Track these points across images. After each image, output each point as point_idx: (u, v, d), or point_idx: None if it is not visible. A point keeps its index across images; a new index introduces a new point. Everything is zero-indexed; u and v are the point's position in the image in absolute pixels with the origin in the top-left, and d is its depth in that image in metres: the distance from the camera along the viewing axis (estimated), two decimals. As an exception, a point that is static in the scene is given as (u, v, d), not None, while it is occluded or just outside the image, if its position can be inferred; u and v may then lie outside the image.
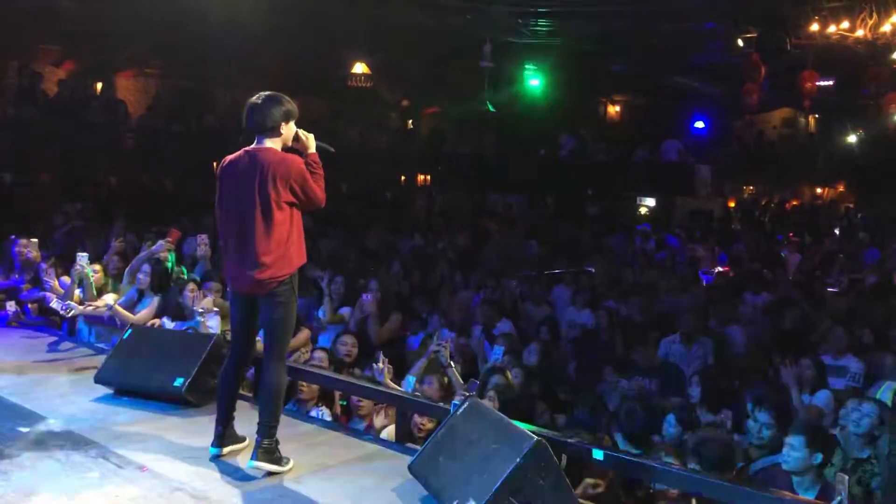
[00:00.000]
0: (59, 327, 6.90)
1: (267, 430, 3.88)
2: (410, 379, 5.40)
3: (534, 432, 3.48)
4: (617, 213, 17.95)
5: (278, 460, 3.91)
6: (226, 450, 4.09)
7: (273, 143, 3.95)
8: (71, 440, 4.25)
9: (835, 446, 4.60)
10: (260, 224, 3.83)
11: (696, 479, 3.70)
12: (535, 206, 18.32)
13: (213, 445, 4.08)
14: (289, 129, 4.01)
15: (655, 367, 6.78)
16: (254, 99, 3.98)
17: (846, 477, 3.36)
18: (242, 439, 4.17)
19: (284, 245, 3.87)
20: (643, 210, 19.67)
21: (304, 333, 6.51)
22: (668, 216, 18.00)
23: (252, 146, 3.99)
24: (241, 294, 4.04)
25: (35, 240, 7.47)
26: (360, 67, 15.22)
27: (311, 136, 4.11)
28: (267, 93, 4.01)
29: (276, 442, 3.93)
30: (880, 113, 16.25)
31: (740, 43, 14.02)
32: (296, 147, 4.08)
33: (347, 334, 6.41)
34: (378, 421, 5.29)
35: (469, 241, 12.98)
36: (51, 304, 6.27)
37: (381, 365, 5.24)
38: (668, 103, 21.53)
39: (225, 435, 4.10)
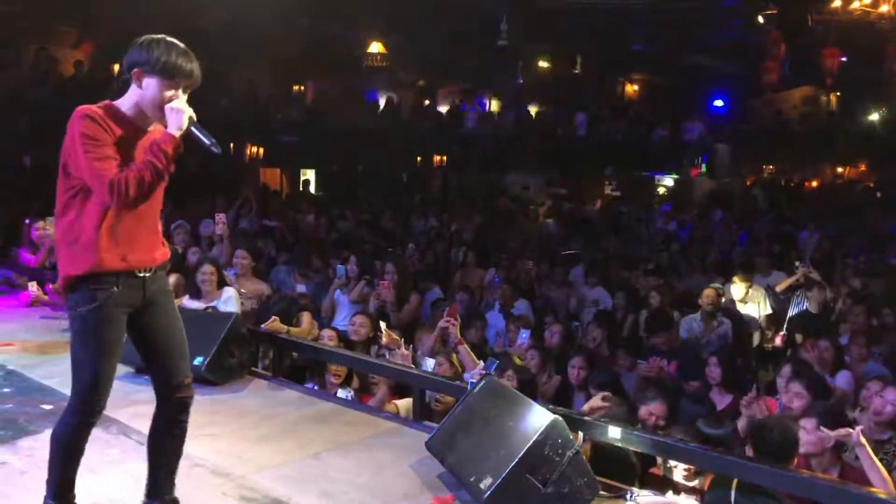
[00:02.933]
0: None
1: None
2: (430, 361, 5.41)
3: (550, 410, 3.49)
4: (635, 192, 17.87)
5: None
6: None
7: (121, 103, 2.88)
8: (93, 418, 4.30)
9: (849, 425, 4.57)
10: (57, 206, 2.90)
11: (710, 455, 3.70)
12: (551, 187, 18.26)
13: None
14: (146, 88, 2.81)
15: (675, 348, 6.77)
16: None
17: None
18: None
19: (70, 236, 2.83)
20: (661, 190, 19.56)
21: (306, 317, 6.30)
22: (687, 195, 17.90)
23: None
24: None
25: (51, 217, 7.52)
26: (375, 47, 15.18)
27: (185, 112, 2.82)
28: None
29: None
30: (902, 90, 16.00)
31: (760, 19, 13.83)
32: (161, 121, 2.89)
33: (359, 314, 6.39)
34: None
35: (485, 221, 12.97)
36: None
37: (384, 338, 5.26)
38: (686, 82, 21.31)
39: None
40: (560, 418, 3.35)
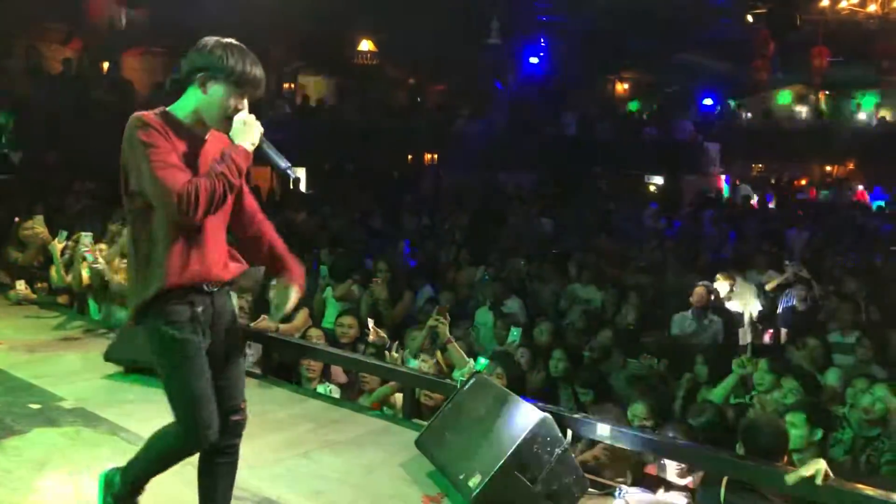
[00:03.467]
0: (69, 306, 6.95)
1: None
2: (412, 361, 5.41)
3: (539, 408, 3.50)
4: (625, 191, 17.91)
5: None
6: None
7: (176, 109, 2.68)
8: (82, 417, 4.29)
9: (833, 422, 4.61)
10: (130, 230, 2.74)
11: (700, 452, 3.72)
12: (543, 185, 18.27)
13: None
14: (215, 88, 2.61)
15: (665, 346, 6.78)
16: None
17: None
18: None
19: (137, 259, 2.67)
20: (651, 188, 19.62)
21: (303, 313, 6.26)
22: (677, 194, 17.95)
23: None
24: None
25: (40, 216, 7.49)
26: (366, 45, 15.17)
27: (253, 125, 2.65)
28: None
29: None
30: (890, 88, 16.10)
31: (750, 19, 13.89)
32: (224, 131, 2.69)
33: (347, 315, 6.38)
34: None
35: (477, 220, 12.97)
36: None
37: (371, 335, 5.27)
38: (677, 80, 21.38)
39: None
40: (549, 416, 3.36)
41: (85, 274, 6.56)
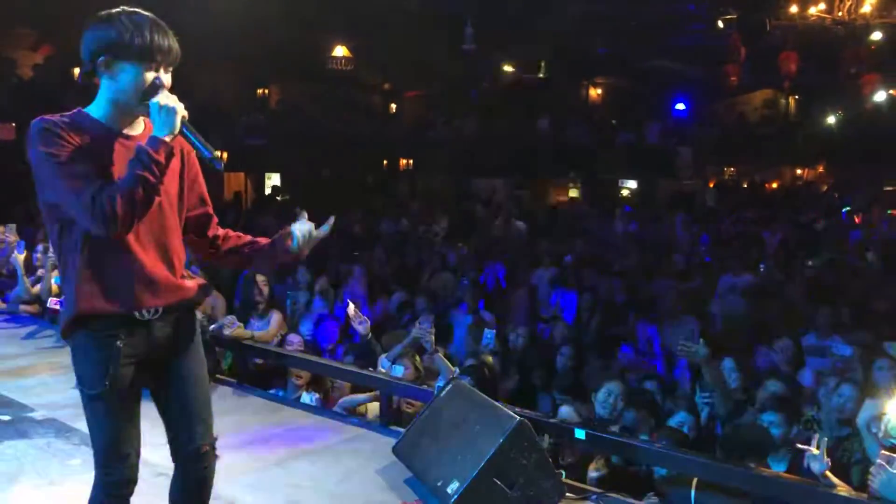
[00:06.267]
0: (41, 316, 6.86)
1: None
2: (398, 368, 5.39)
3: (516, 413, 3.51)
4: (599, 195, 18.02)
5: None
6: None
7: (92, 107, 2.39)
8: (53, 428, 4.24)
9: (811, 421, 4.66)
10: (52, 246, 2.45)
11: (676, 456, 3.74)
12: (517, 190, 18.35)
13: None
14: (123, 68, 2.28)
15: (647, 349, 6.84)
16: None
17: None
18: None
19: (63, 273, 2.38)
20: (625, 192, 19.77)
21: (277, 317, 6.21)
22: (651, 198, 18.10)
23: None
24: None
25: (13, 224, 7.40)
26: (340, 51, 15.14)
27: (178, 110, 2.30)
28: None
29: None
30: (858, 93, 16.38)
31: (721, 24, 14.07)
32: (144, 114, 2.37)
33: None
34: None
35: (452, 224, 12.98)
36: (52, 307, 6.25)
37: (350, 311, 5.26)
38: (649, 85, 21.57)
39: None
40: (526, 421, 3.37)
41: (54, 283, 6.49)
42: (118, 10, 2.29)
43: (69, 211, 2.23)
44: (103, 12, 2.29)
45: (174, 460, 2.55)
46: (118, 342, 2.32)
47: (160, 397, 2.52)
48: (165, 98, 2.28)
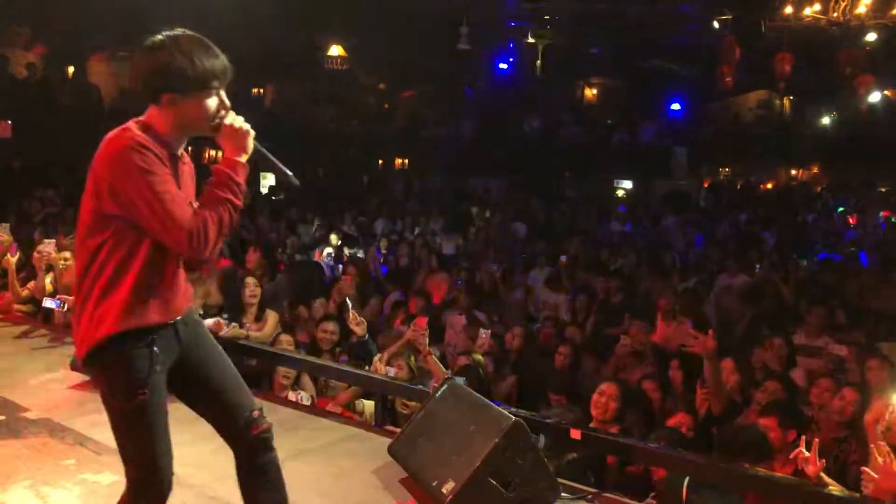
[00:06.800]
0: (34, 316, 6.83)
1: None
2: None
3: (511, 413, 3.51)
4: (595, 195, 18.04)
5: None
6: None
7: (146, 117, 2.34)
8: (48, 427, 4.22)
9: (807, 422, 4.67)
10: (77, 258, 2.38)
11: (671, 455, 3.75)
12: (513, 190, 18.36)
13: None
14: (187, 104, 2.31)
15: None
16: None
17: None
18: None
19: (95, 288, 2.29)
20: (620, 192, 19.79)
21: (273, 318, 6.16)
22: (646, 198, 18.13)
23: None
24: None
25: (6, 224, 7.38)
26: (335, 50, 15.12)
27: (245, 132, 2.37)
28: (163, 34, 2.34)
29: None
30: (853, 94, 16.40)
31: (716, 25, 14.08)
32: (213, 138, 2.40)
33: (328, 320, 6.34)
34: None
35: (447, 224, 13.00)
36: (45, 305, 6.23)
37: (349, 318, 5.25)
38: (644, 86, 21.59)
39: None
40: (521, 421, 3.37)
41: (48, 282, 6.47)
42: (162, 38, 2.31)
43: (153, 229, 2.23)
44: (151, 42, 2.31)
45: (231, 440, 2.56)
46: (155, 349, 2.33)
47: (192, 392, 2.53)
48: (235, 120, 2.35)
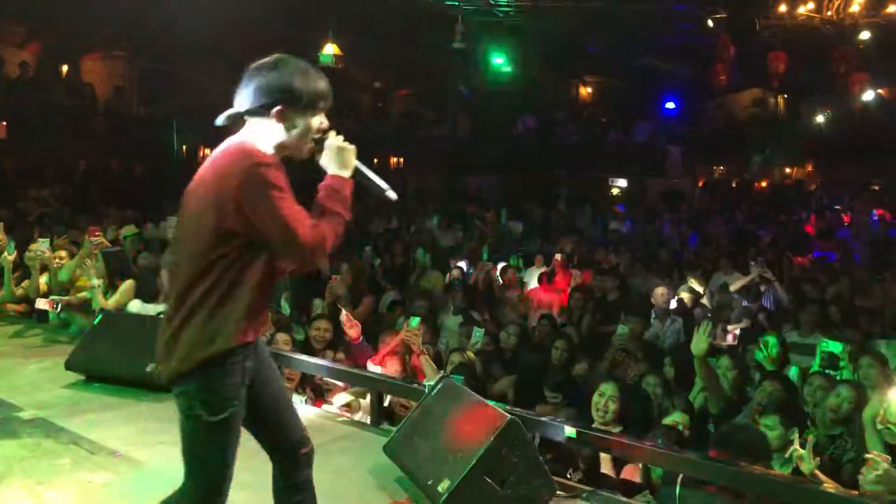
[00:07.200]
0: (28, 315, 6.82)
1: None
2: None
3: (506, 411, 3.51)
4: (589, 194, 18.04)
5: None
6: None
7: (254, 135, 2.40)
8: (42, 427, 4.21)
9: (806, 420, 4.68)
10: (185, 269, 2.38)
11: (664, 453, 3.75)
12: (507, 188, 18.36)
13: None
14: (296, 119, 2.41)
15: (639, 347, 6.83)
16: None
17: None
18: None
19: (206, 302, 2.33)
20: (615, 191, 19.80)
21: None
22: (640, 197, 18.15)
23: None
24: None
25: (0, 223, 7.34)
26: (331, 48, 15.10)
27: (348, 148, 2.50)
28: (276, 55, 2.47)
29: None
30: (847, 93, 16.44)
31: (710, 24, 14.10)
32: (316, 154, 2.51)
33: (322, 319, 6.34)
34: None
35: (443, 223, 12.98)
36: (39, 307, 6.21)
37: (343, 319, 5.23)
38: (638, 84, 21.60)
39: None
40: (517, 419, 3.37)
41: (43, 282, 6.45)
42: (279, 57, 2.44)
43: (276, 246, 2.31)
44: (268, 61, 2.44)
45: (279, 455, 2.69)
46: (248, 364, 2.43)
47: (251, 407, 2.53)
48: (336, 139, 2.49)
